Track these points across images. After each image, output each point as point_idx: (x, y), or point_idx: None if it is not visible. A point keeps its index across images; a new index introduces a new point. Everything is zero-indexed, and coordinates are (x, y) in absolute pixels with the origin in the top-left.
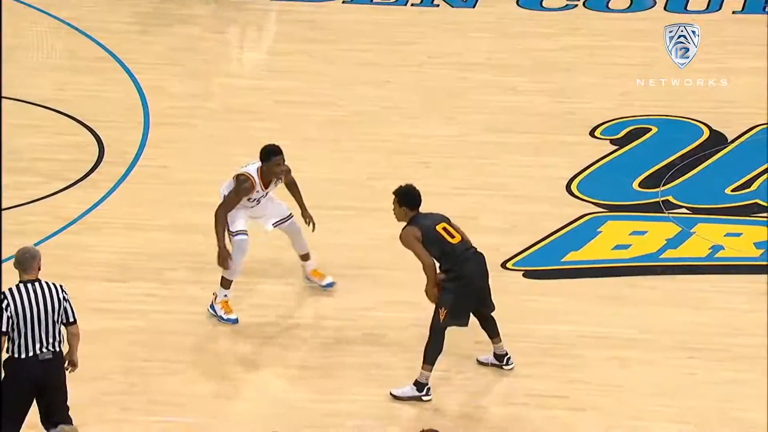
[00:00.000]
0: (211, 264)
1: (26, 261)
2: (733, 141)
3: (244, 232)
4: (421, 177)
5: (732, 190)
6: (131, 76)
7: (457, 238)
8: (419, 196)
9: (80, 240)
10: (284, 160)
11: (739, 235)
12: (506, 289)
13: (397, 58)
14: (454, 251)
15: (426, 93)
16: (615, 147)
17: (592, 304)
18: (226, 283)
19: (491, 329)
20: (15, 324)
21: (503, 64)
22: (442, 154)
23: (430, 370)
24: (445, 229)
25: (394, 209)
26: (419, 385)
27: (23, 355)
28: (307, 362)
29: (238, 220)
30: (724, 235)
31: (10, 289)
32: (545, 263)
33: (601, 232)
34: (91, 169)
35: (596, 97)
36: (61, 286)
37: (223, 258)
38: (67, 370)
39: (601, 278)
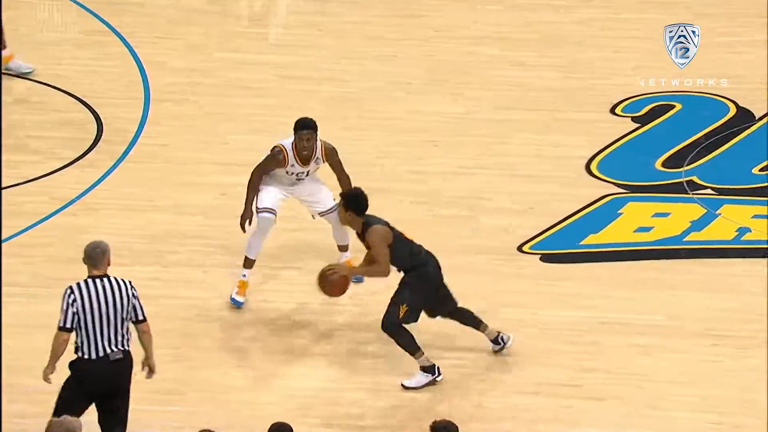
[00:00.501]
0: (214, 247)
1: (96, 256)
2: (761, 118)
3: (269, 210)
4: (430, 156)
5: (760, 170)
6: (131, 50)
7: (414, 240)
8: (367, 201)
9: (78, 222)
10: (314, 137)
11: (766, 216)
12: (522, 274)
13: (404, 32)
14: (420, 251)
15: (433, 68)
16: (637, 125)
17: (612, 290)
18: (247, 263)
19: (472, 321)
20: (82, 321)
21: (512, 37)
22: (450, 132)
23: (422, 353)
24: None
25: (339, 212)
26: (427, 369)
27: (93, 356)
28: (316, 350)
29: (269, 196)
30: (751, 217)
31: (78, 284)
32: (563, 246)
33: (622, 213)
34: (89, 148)
35: (613, 72)
36: (129, 282)
37: (243, 220)
38: (146, 375)
39: (621, 262)
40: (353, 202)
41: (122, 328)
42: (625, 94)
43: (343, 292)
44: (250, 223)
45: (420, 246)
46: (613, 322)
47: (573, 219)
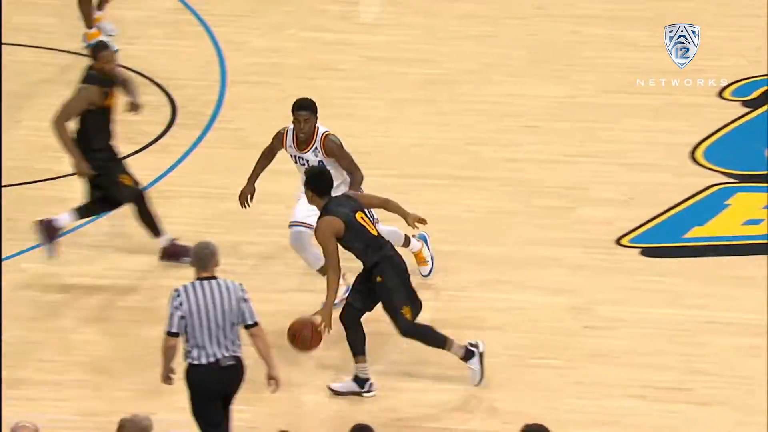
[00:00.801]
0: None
1: (205, 257)
2: None
3: (295, 224)
4: (526, 142)
5: None
6: (207, 29)
7: (376, 232)
8: (330, 182)
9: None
10: (312, 120)
11: None
12: (621, 269)
13: (502, 9)
14: (377, 242)
15: (533, 49)
16: (747, 109)
17: (719, 286)
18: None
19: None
20: (189, 326)
21: (621, 16)
22: (550, 117)
23: (452, 344)
24: (363, 218)
25: (305, 193)
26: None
27: (204, 361)
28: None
29: (295, 208)
30: None
31: (185, 287)
32: (665, 240)
33: (729, 205)
34: (162, 132)
35: (725, 52)
36: (240, 285)
37: (241, 196)
38: (272, 390)
39: (728, 257)
40: (313, 181)
41: (231, 333)
42: (735, 76)
43: (318, 343)
44: (250, 200)
45: (378, 238)
46: (718, 321)
47: (676, 210)
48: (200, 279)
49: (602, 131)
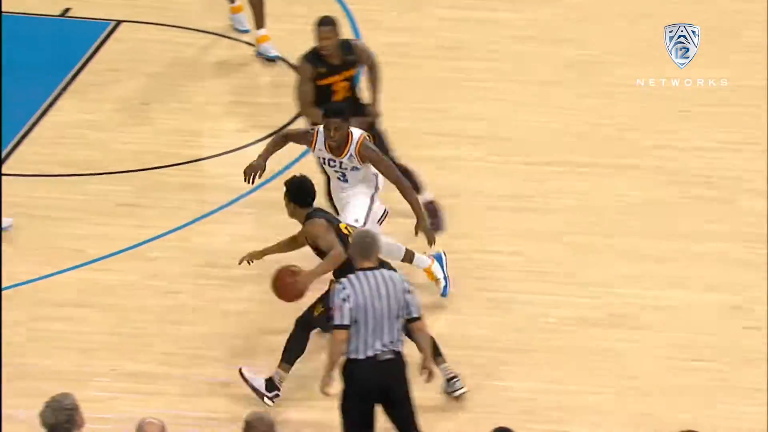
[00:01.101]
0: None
1: (368, 246)
2: None
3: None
4: (682, 129)
5: None
6: (344, 7)
7: None
8: (313, 192)
9: (279, 197)
10: (343, 127)
11: None
12: None
13: None
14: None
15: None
16: None
17: None
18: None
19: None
20: (354, 318)
21: None
22: (709, 102)
23: (287, 369)
24: (346, 228)
25: (285, 203)
26: (270, 385)
27: (361, 356)
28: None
29: (346, 213)
30: None
31: (349, 279)
32: None
33: None
34: (296, 116)
35: None
36: (402, 276)
37: (248, 171)
38: (425, 380)
39: None
40: (296, 194)
41: (394, 327)
42: None
43: (297, 297)
44: (259, 176)
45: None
46: None
47: None
48: (363, 269)
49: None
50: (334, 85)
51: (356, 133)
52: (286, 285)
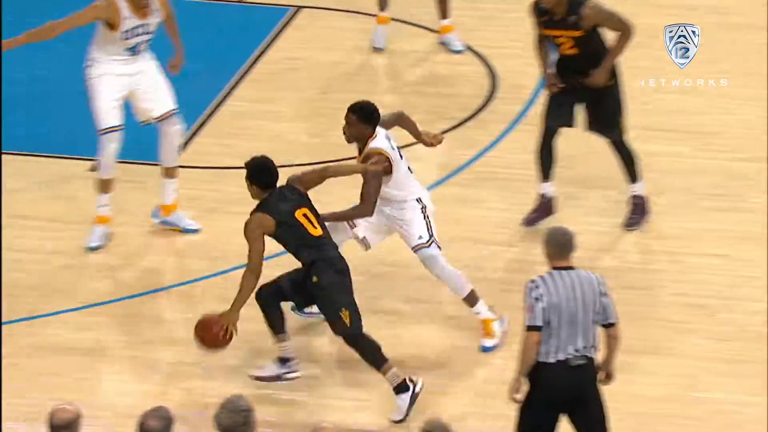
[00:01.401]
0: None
1: (567, 244)
2: None
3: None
4: None
5: None
6: None
7: (319, 231)
8: (275, 172)
9: (467, 194)
10: (346, 121)
11: None
12: None
13: None
14: (316, 241)
15: None
16: None
17: None
18: None
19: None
20: (547, 320)
21: None
22: None
23: (390, 369)
24: (305, 215)
25: (246, 185)
26: (402, 402)
27: (551, 359)
28: None
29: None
30: None
31: (543, 278)
32: None
33: None
34: (481, 106)
35: None
36: (599, 277)
37: None
38: (601, 381)
39: None
40: (256, 175)
41: (589, 331)
42: None
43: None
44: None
45: (320, 238)
46: None
47: None
48: (558, 269)
49: None
50: (556, 39)
51: (375, 144)
52: (212, 338)
